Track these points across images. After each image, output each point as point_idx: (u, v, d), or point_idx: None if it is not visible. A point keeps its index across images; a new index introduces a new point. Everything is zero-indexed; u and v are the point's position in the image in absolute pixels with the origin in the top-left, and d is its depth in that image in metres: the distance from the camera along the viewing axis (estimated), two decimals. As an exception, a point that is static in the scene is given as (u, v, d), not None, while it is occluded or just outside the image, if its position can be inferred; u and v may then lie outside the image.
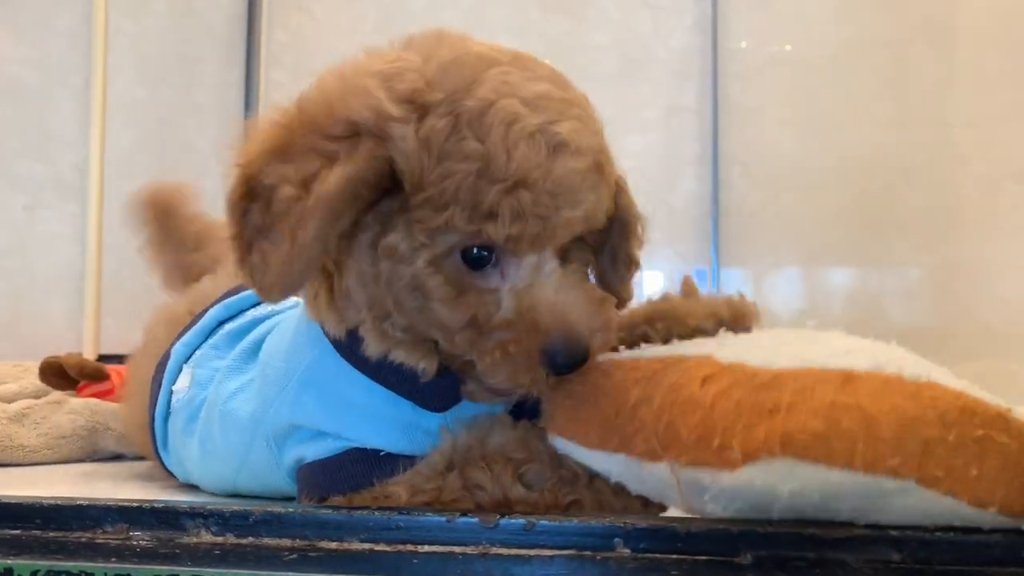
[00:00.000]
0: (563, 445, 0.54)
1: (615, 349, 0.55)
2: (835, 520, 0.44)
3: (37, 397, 0.98)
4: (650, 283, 2.01)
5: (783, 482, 0.42)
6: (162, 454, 0.71)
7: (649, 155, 2.01)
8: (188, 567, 0.43)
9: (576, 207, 0.50)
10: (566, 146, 0.49)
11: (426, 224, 0.49)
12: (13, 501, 0.51)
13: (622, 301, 0.59)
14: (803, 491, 0.42)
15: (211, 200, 2.06)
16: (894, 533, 0.44)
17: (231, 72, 2.10)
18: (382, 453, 0.56)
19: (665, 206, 1.99)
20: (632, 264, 0.59)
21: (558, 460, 0.54)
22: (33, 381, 1.13)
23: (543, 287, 0.51)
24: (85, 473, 0.79)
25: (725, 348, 0.48)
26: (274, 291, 0.52)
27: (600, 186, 0.51)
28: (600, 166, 0.51)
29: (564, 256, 0.53)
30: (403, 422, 0.57)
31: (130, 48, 2.13)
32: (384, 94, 0.50)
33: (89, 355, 2.05)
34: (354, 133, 0.50)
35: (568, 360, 0.50)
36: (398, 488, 0.53)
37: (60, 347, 2.08)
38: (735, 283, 1.99)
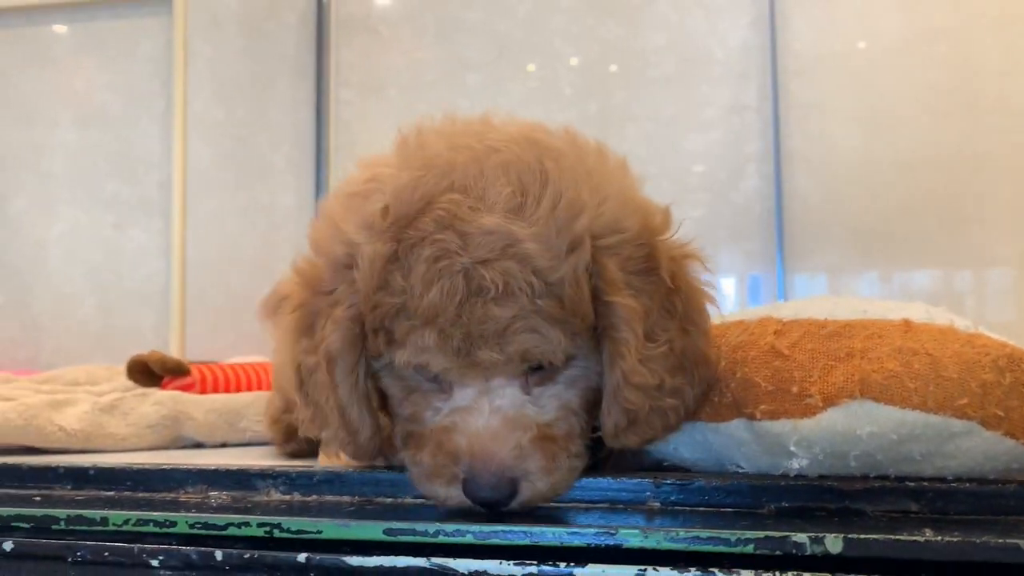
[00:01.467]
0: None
1: None
2: (905, 461, 0.46)
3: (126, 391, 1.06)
4: (719, 288, 2.02)
5: (862, 424, 0.44)
6: None
7: (710, 154, 2.01)
8: (258, 516, 0.47)
9: (501, 349, 0.48)
10: (488, 291, 0.47)
11: (372, 347, 0.52)
12: (107, 466, 0.57)
13: (615, 445, 0.52)
14: (880, 432, 0.44)
15: (286, 214, 2.16)
16: (911, 484, 0.47)
17: (302, 91, 2.18)
18: None
19: (728, 204, 1.99)
20: (628, 419, 0.50)
21: None
22: (123, 381, 1.22)
23: (473, 412, 0.49)
24: (165, 457, 0.85)
25: (781, 309, 0.51)
26: (362, 459, 0.53)
27: (541, 327, 0.47)
28: (542, 309, 0.47)
29: (541, 375, 0.51)
30: None
31: (207, 72, 2.23)
32: (350, 223, 0.52)
33: (175, 363, 2.15)
34: (337, 277, 0.53)
35: (482, 492, 0.47)
36: None
37: (149, 356, 2.19)
38: (801, 280, 1.98)
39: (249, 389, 1.09)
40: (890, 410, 0.44)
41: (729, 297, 2.01)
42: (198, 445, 0.93)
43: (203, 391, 1.01)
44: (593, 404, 0.52)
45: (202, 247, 2.21)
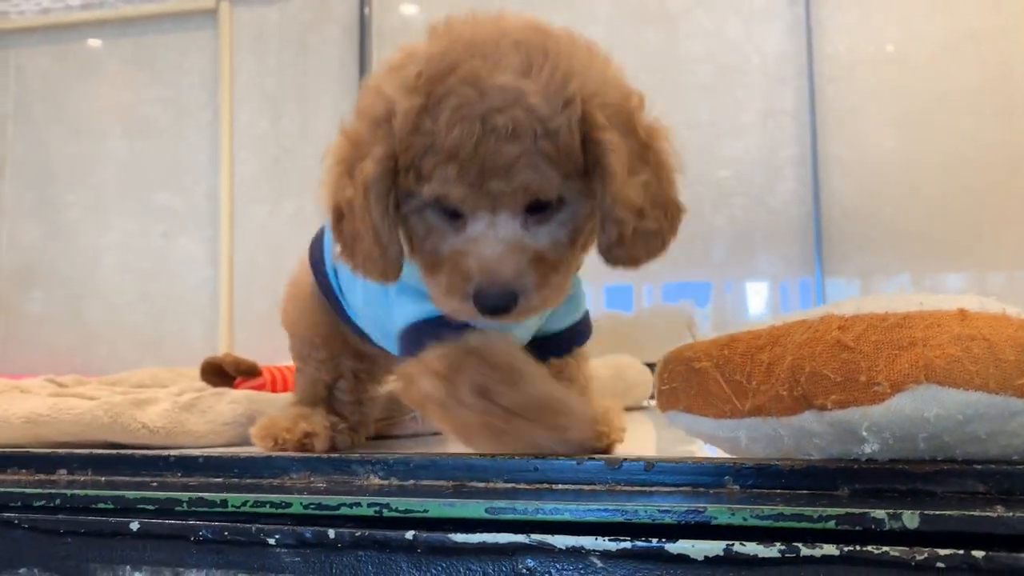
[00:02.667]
0: (689, 420, 0.60)
1: None
2: (970, 442, 0.49)
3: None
4: (755, 293, 2.04)
5: (928, 407, 0.47)
6: (340, 298, 0.84)
7: (747, 159, 2.03)
8: (368, 497, 0.51)
9: (509, 181, 0.59)
10: (499, 131, 0.58)
11: (403, 187, 0.63)
12: (215, 455, 0.61)
13: (610, 261, 0.65)
14: (946, 414, 0.48)
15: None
16: (978, 467, 0.49)
17: (345, 103, 2.23)
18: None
19: (765, 208, 2.01)
20: (618, 233, 0.62)
21: (523, 389, 0.61)
22: (187, 383, 1.27)
23: (483, 241, 0.61)
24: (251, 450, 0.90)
25: (841, 307, 0.54)
26: (388, 276, 0.65)
27: (541, 165, 0.59)
28: (542, 149, 0.59)
29: (545, 213, 0.63)
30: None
31: (253, 84, 2.29)
32: (390, 86, 0.63)
33: (224, 368, 2.21)
34: (377, 127, 0.63)
35: (490, 302, 0.60)
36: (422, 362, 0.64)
37: (197, 360, 2.23)
38: (839, 284, 1.99)
39: None
40: (954, 392, 0.47)
41: (767, 301, 2.03)
42: (272, 442, 0.97)
43: (274, 391, 1.06)
44: (578, 242, 0.65)
45: (249, 255, 2.26)
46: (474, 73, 0.59)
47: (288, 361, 1.69)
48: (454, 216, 0.62)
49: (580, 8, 2.14)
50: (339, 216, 0.66)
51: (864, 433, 0.50)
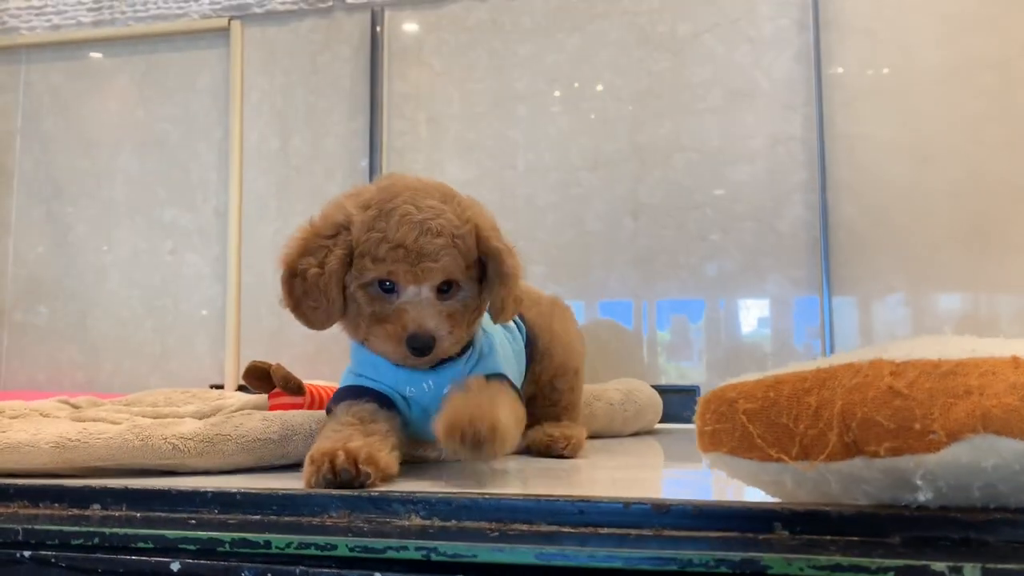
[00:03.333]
0: (731, 463, 0.60)
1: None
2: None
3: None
4: (757, 310, 2.04)
5: (986, 457, 0.47)
6: None
7: (755, 183, 2.04)
8: (408, 539, 0.51)
9: (435, 262, 0.91)
10: (431, 231, 0.91)
11: (358, 269, 0.92)
12: (252, 491, 0.61)
13: (498, 319, 1.01)
14: (1004, 464, 0.47)
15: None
16: (1032, 516, 0.49)
17: (356, 122, 2.23)
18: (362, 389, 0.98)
19: (773, 233, 2.02)
20: (501, 307, 0.98)
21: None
22: (200, 405, 1.26)
23: (414, 304, 0.92)
24: (277, 474, 0.89)
25: (889, 351, 0.54)
26: (322, 327, 0.97)
27: (454, 254, 0.92)
28: (456, 245, 0.92)
29: (448, 292, 0.94)
30: (402, 375, 0.98)
31: (264, 102, 2.30)
32: (350, 204, 0.94)
33: (230, 386, 2.20)
34: (338, 231, 0.93)
35: (419, 343, 0.91)
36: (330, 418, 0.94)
37: (205, 377, 2.26)
38: (847, 311, 1.99)
39: None
40: (1012, 442, 0.47)
41: (774, 324, 2.03)
42: (301, 463, 0.96)
43: (310, 409, 1.05)
44: (467, 314, 0.96)
45: (257, 273, 2.26)
46: (412, 198, 0.92)
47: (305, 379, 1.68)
48: (390, 291, 0.92)
49: (591, 32, 2.15)
50: (292, 275, 0.96)
51: (918, 481, 0.49)
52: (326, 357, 2.18)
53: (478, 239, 0.95)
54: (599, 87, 2.14)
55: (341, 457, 0.72)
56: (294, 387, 1.06)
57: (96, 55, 2.43)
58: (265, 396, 1.10)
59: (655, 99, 2.12)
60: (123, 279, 2.35)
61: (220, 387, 2.19)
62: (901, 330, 1.96)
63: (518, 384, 1.09)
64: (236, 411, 0.98)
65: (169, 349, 2.30)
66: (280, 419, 0.93)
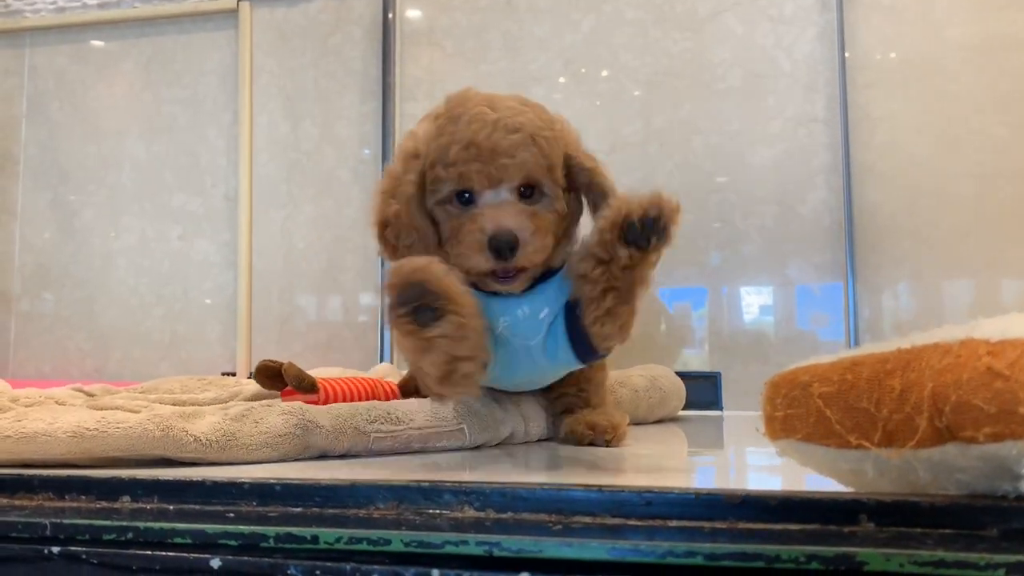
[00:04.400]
0: (806, 450, 0.56)
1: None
2: None
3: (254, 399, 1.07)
4: (775, 296, 2.00)
5: None
6: None
7: (778, 166, 2.00)
8: (468, 534, 0.47)
9: (512, 158, 0.82)
10: (506, 127, 0.82)
11: (431, 184, 0.85)
12: (294, 482, 0.57)
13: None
14: None
15: (351, 227, 2.18)
16: None
17: (368, 105, 2.19)
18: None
19: (796, 217, 1.98)
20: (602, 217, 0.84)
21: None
22: (224, 391, 1.22)
23: (492, 205, 0.84)
24: (305, 468, 0.85)
25: (980, 330, 0.50)
26: (428, 250, 0.86)
27: (533, 150, 0.83)
28: (535, 139, 0.83)
29: (531, 196, 0.85)
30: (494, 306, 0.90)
31: (273, 85, 2.26)
32: (420, 126, 0.89)
33: (242, 373, 2.16)
34: (409, 159, 0.88)
35: (501, 243, 0.82)
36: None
37: (215, 365, 2.23)
38: (872, 294, 1.95)
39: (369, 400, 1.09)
40: (1125, 431, 0.43)
41: (796, 309, 1.99)
42: (322, 456, 0.93)
43: (324, 405, 1.01)
44: (552, 228, 0.87)
45: (268, 259, 2.23)
46: (488, 99, 0.85)
47: (323, 372, 1.64)
48: (468, 203, 0.85)
49: (607, 11, 2.10)
50: (384, 225, 0.90)
51: (1022, 470, 0.46)
52: (337, 344, 2.15)
53: (565, 153, 0.87)
54: (615, 68, 2.10)
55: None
56: (307, 386, 1.02)
57: (102, 38, 2.39)
58: (278, 395, 1.06)
59: (673, 80, 2.07)
60: (131, 266, 2.32)
61: (232, 375, 2.15)
62: (926, 318, 1.92)
63: None
64: (253, 400, 0.94)
65: (179, 337, 2.27)
66: (300, 412, 0.90)
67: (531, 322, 0.89)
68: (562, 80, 2.12)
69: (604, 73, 2.10)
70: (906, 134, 1.95)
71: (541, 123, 0.85)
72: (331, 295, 2.18)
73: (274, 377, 1.03)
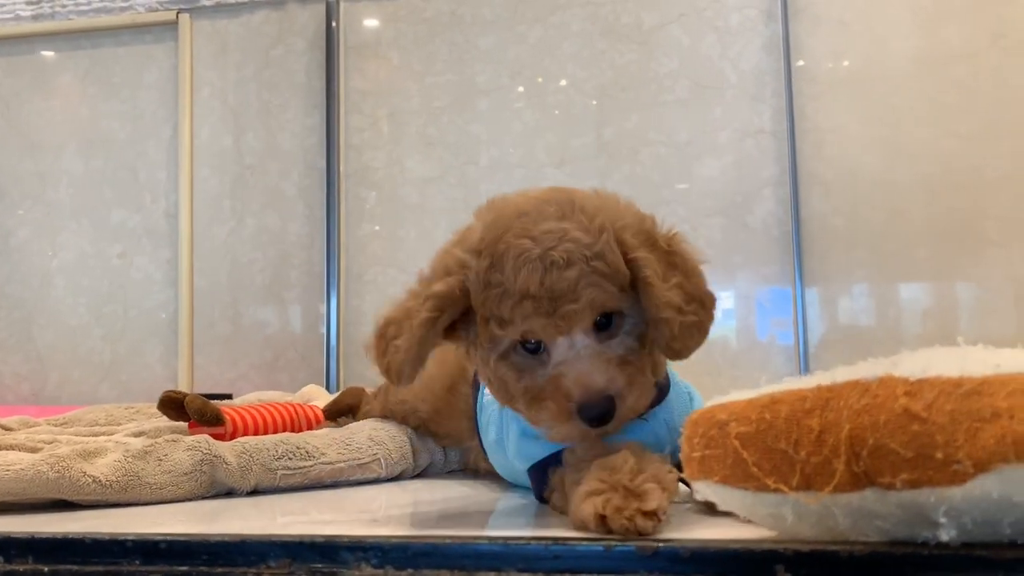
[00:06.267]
0: (724, 493, 0.53)
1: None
2: None
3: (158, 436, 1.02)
4: (725, 305, 1.99)
5: (1019, 490, 0.41)
6: (481, 434, 0.94)
7: (725, 178, 1.99)
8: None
9: (576, 301, 0.69)
10: (557, 264, 0.69)
11: (488, 339, 0.72)
12: (180, 539, 0.53)
13: (669, 355, 0.75)
14: None
15: (296, 242, 2.13)
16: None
17: (312, 118, 2.15)
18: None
19: (744, 229, 1.97)
20: (668, 331, 0.71)
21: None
22: (143, 422, 1.17)
23: (572, 360, 0.70)
24: (209, 511, 0.81)
25: (900, 366, 0.48)
26: (401, 380, 0.73)
27: (598, 281, 0.70)
28: (595, 269, 0.70)
29: (611, 328, 0.72)
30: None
31: (215, 98, 2.20)
32: (458, 248, 0.74)
33: (183, 396, 2.11)
34: (448, 274, 0.73)
35: (594, 411, 0.68)
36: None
37: (157, 387, 2.13)
38: (819, 304, 1.95)
39: (284, 431, 1.05)
40: (1052, 474, 0.41)
41: (744, 321, 1.98)
42: (229, 493, 0.89)
43: (232, 438, 0.97)
44: (646, 346, 0.73)
45: (211, 277, 2.17)
46: (524, 228, 0.71)
47: (259, 394, 1.60)
48: (535, 352, 0.72)
49: (553, 22, 2.08)
50: (387, 323, 0.75)
51: (940, 518, 0.43)
52: (284, 363, 2.10)
53: (621, 247, 0.72)
54: (563, 80, 2.08)
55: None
56: (211, 418, 0.97)
57: (38, 50, 2.32)
58: (186, 428, 1.02)
59: (621, 92, 2.06)
60: (69, 285, 2.24)
61: (173, 397, 2.09)
62: (875, 326, 1.92)
63: None
64: (160, 437, 0.90)
65: (119, 358, 2.20)
66: (206, 448, 0.85)
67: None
68: (509, 92, 2.09)
69: (552, 85, 2.08)
70: (854, 145, 1.95)
71: (589, 239, 0.70)
72: (276, 313, 2.13)
73: (178, 408, 0.99)
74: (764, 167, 1.98)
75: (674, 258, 0.74)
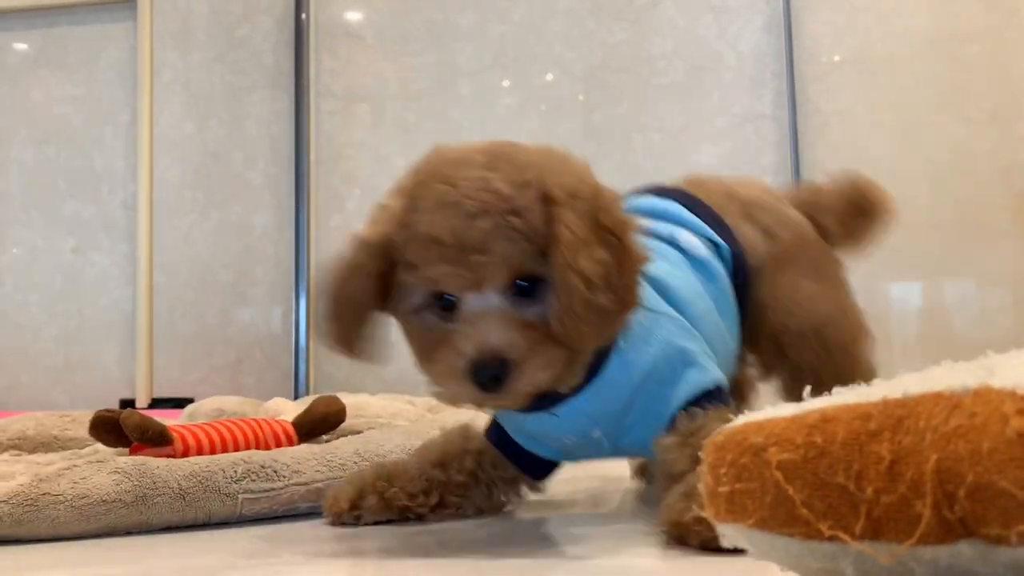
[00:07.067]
0: (762, 540, 0.40)
1: None
2: None
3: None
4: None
5: None
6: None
7: (722, 166, 1.89)
8: None
9: (485, 253, 0.64)
10: (469, 212, 0.63)
11: (400, 288, 0.68)
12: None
13: (559, 332, 0.66)
14: None
15: (263, 235, 2.01)
16: None
17: (280, 102, 2.04)
18: None
19: (743, 220, 1.86)
20: (567, 301, 0.64)
21: None
22: (81, 437, 1.04)
23: (475, 318, 0.65)
24: (140, 549, 0.68)
25: (999, 374, 0.35)
26: (354, 350, 0.70)
27: (513, 236, 0.64)
28: (511, 224, 0.64)
29: (533, 293, 0.65)
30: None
31: (176, 82, 2.10)
32: (388, 196, 0.70)
33: (142, 399, 1.99)
34: (372, 224, 0.69)
35: (484, 373, 0.63)
36: None
37: (114, 391, 2.03)
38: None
39: (248, 450, 0.90)
40: None
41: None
42: (168, 528, 0.74)
43: (185, 456, 0.83)
44: None
45: (171, 272, 2.06)
46: (448, 175, 0.66)
47: (217, 399, 1.45)
48: (448, 308, 0.67)
49: (537, 1, 1.97)
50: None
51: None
52: (248, 365, 1.99)
53: (546, 200, 0.65)
54: (549, 62, 1.97)
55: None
56: (155, 436, 0.82)
57: (-14, 31, 2.20)
58: (126, 451, 0.87)
59: (611, 75, 1.95)
60: (19, 282, 2.14)
61: (131, 403, 1.98)
62: (875, 322, 1.82)
63: (726, 370, 0.76)
64: (85, 460, 0.76)
65: (73, 360, 2.09)
66: (139, 472, 0.71)
67: (585, 447, 0.72)
68: (492, 74, 1.98)
69: (537, 67, 1.97)
70: (857, 130, 1.86)
71: (512, 189, 0.64)
72: (241, 311, 2.02)
73: (114, 431, 0.84)
74: (764, 154, 1.88)
75: (609, 236, 0.65)
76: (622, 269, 0.65)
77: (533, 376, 0.63)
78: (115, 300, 2.09)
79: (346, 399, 1.08)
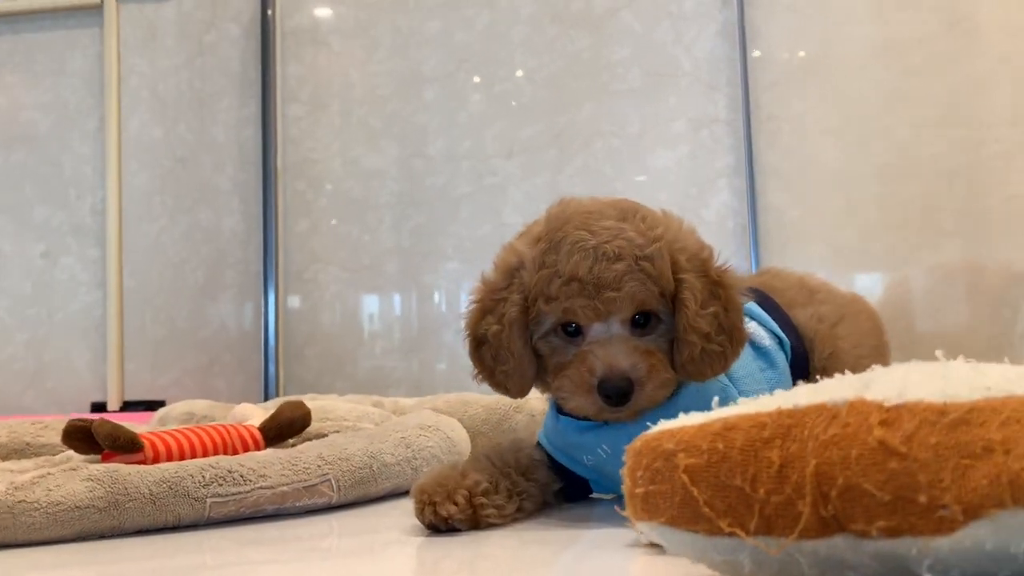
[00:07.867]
0: (673, 536, 0.45)
1: None
2: None
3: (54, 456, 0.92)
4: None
5: (1017, 540, 0.34)
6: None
7: (679, 169, 1.93)
8: None
9: (618, 291, 0.76)
10: (606, 255, 0.76)
11: (535, 315, 0.80)
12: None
13: (680, 374, 0.80)
14: None
15: (231, 239, 2.03)
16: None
17: (248, 108, 2.05)
18: None
19: (700, 221, 1.89)
20: (688, 353, 0.78)
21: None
22: (54, 443, 1.07)
23: (602, 342, 0.77)
24: (112, 554, 0.72)
25: (873, 388, 0.40)
26: (522, 393, 0.83)
27: (641, 279, 0.77)
28: (642, 268, 0.77)
29: (647, 326, 0.79)
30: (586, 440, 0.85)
31: (144, 87, 2.09)
32: (520, 243, 0.83)
33: (114, 403, 2.00)
34: (512, 277, 0.81)
35: (612, 388, 0.75)
36: None
37: (85, 395, 2.04)
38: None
39: (216, 455, 0.94)
40: (1054, 518, 0.34)
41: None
42: (140, 532, 0.79)
43: (155, 462, 0.87)
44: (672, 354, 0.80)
45: (141, 277, 2.06)
46: (585, 222, 0.79)
47: (187, 403, 1.48)
48: (574, 335, 0.79)
49: (502, 6, 2.01)
50: (478, 344, 0.82)
51: (924, 572, 0.36)
52: (219, 368, 2.00)
53: (673, 266, 0.79)
54: (513, 68, 2.00)
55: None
56: (126, 443, 0.86)
57: (-49, 36, 2.18)
58: (98, 458, 0.90)
59: (573, 80, 1.99)
60: (-11, 287, 2.12)
61: (102, 406, 1.99)
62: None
63: None
64: (59, 468, 0.80)
65: (44, 365, 2.08)
66: (111, 479, 0.75)
67: (611, 461, 0.80)
68: (456, 80, 2.01)
69: (501, 73, 2.00)
70: (809, 134, 1.90)
71: (643, 241, 0.78)
72: (211, 314, 2.03)
73: (86, 439, 0.88)
74: (719, 157, 1.92)
75: (718, 289, 0.80)
76: (728, 314, 0.79)
77: (652, 394, 0.77)
78: (85, 304, 2.09)
79: (313, 402, 1.12)
